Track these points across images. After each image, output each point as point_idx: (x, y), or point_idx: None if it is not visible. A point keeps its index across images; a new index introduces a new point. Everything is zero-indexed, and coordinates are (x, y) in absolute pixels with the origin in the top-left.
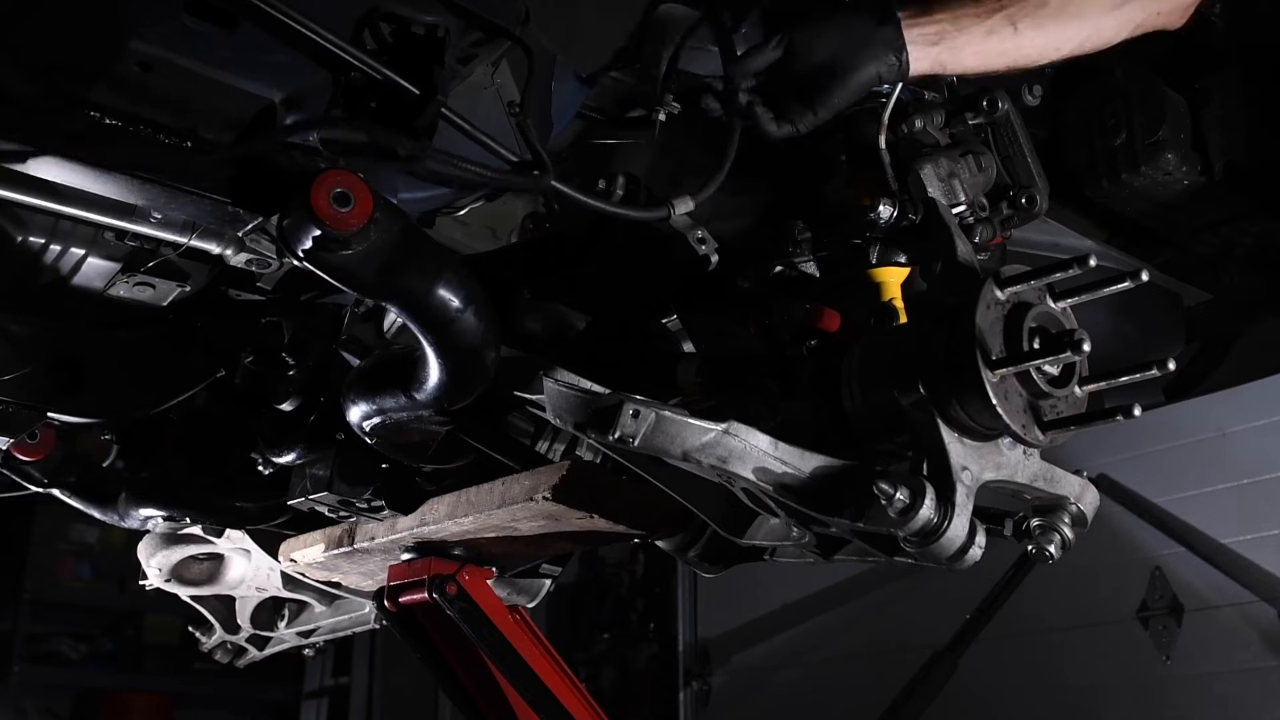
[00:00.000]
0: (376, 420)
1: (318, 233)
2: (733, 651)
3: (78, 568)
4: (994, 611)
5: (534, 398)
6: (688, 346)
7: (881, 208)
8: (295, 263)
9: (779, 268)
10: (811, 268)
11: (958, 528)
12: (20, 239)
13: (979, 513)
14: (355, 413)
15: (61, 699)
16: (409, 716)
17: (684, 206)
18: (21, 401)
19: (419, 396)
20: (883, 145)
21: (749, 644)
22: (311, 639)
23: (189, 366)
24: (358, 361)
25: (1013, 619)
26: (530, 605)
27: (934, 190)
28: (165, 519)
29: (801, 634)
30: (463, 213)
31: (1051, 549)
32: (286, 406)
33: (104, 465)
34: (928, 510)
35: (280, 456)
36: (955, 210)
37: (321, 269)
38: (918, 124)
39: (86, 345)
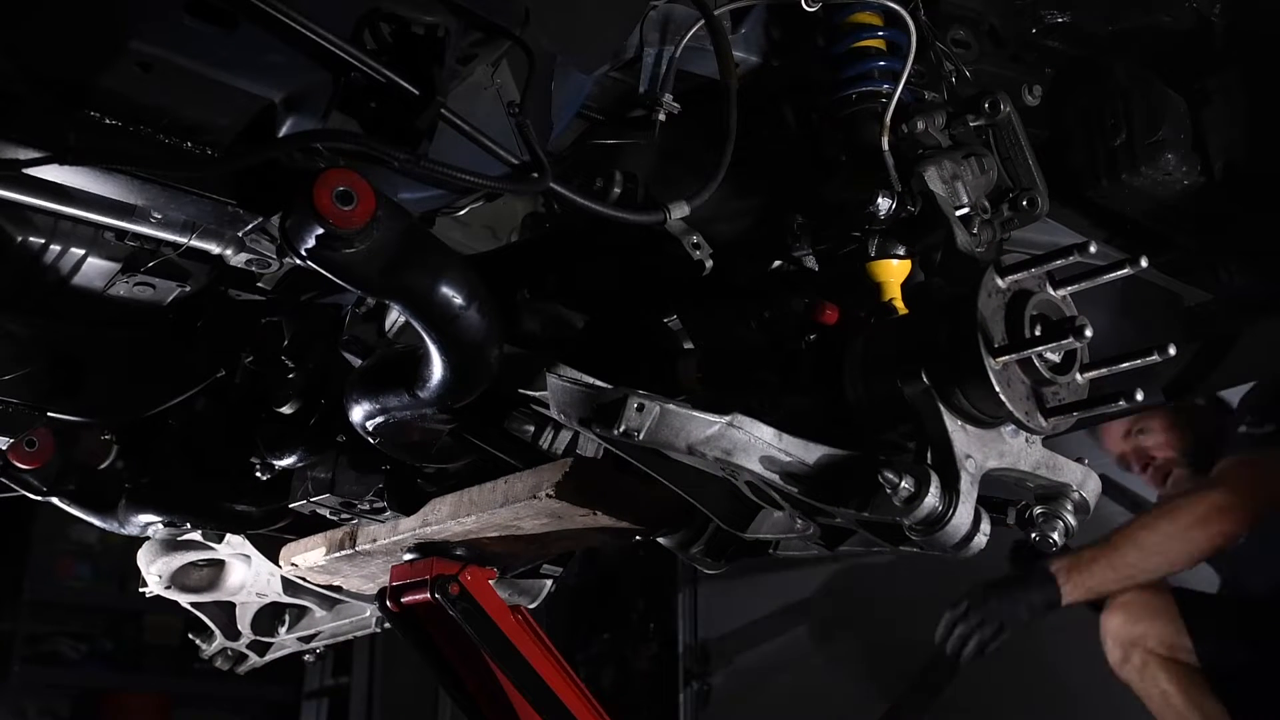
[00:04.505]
0: (380, 419)
1: (321, 231)
2: (733, 651)
3: (78, 568)
4: None
5: (537, 394)
6: (688, 345)
7: (880, 200)
8: (298, 262)
9: (778, 263)
10: (811, 261)
11: (962, 515)
12: (20, 239)
13: (982, 502)
14: (358, 412)
15: (61, 699)
16: (409, 716)
17: (680, 211)
18: (21, 401)
19: (422, 395)
20: (885, 147)
21: (749, 644)
22: (312, 644)
23: (189, 366)
24: (359, 362)
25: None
26: (532, 606)
27: (938, 193)
28: (165, 525)
29: (801, 634)
30: (463, 213)
31: (1055, 536)
32: (287, 409)
33: (103, 466)
34: (932, 498)
35: (281, 459)
36: (959, 214)
37: (325, 267)
38: (919, 125)
39: (86, 345)
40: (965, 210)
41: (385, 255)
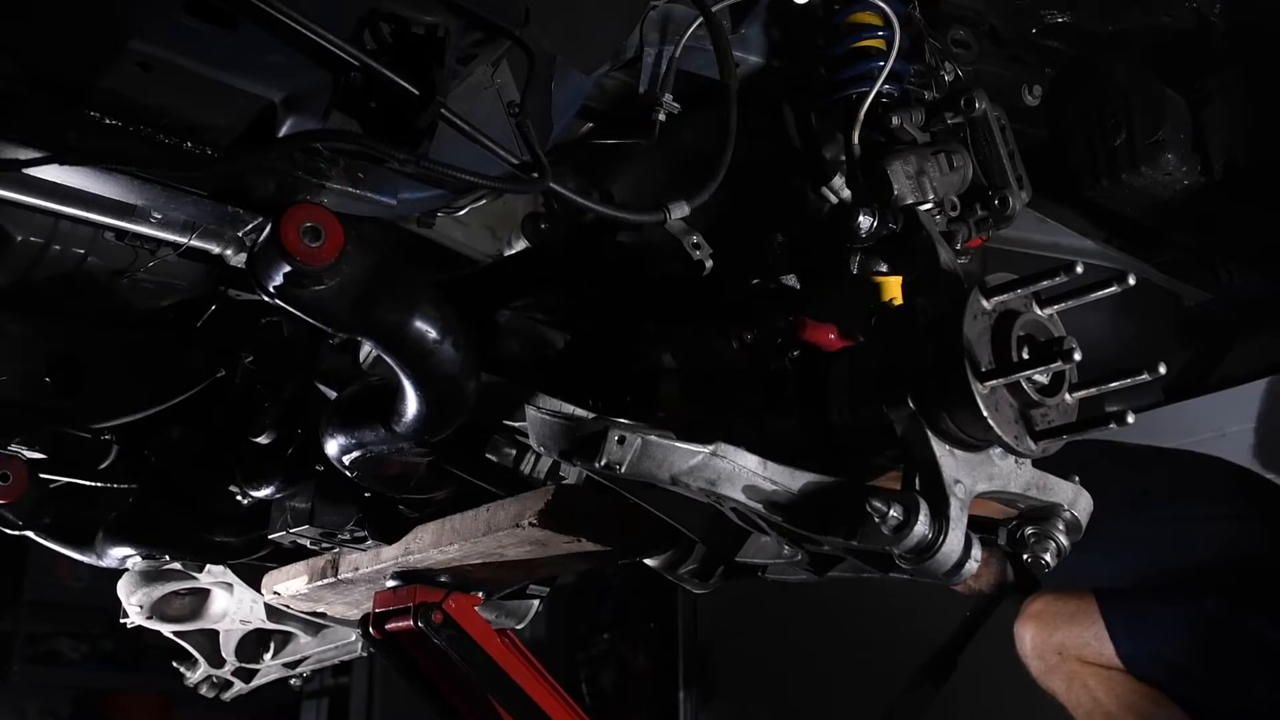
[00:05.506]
0: (356, 454)
1: (288, 269)
2: (733, 651)
3: (78, 568)
4: (994, 610)
5: (517, 425)
6: (670, 365)
7: (861, 218)
8: (266, 300)
9: (757, 280)
10: (792, 280)
11: (953, 542)
12: (20, 239)
13: (972, 521)
14: (334, 446)
15: (61, 699)
16: (409, 717)
17: (680, 211)
18: (21, 401)
19: (398, 429)
20: (855, 140)
21: (749, 644)
22: (299, 669)
23: (189, 366)
24: (334, 393)
25: (1013, 618)
26: (519, 627)
27: (900, 186)
28: (144, 557)
29: (802, 634)
30: (462, 212)
31: (1047, 557)
32: (263, 439)
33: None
34: (922, 526)
35: (259, 490)
36: (923, 208)
37: (294, 306)
38: (894, 121)
39: (86, 345)
40: (929, 205)
41: (355, 291)
